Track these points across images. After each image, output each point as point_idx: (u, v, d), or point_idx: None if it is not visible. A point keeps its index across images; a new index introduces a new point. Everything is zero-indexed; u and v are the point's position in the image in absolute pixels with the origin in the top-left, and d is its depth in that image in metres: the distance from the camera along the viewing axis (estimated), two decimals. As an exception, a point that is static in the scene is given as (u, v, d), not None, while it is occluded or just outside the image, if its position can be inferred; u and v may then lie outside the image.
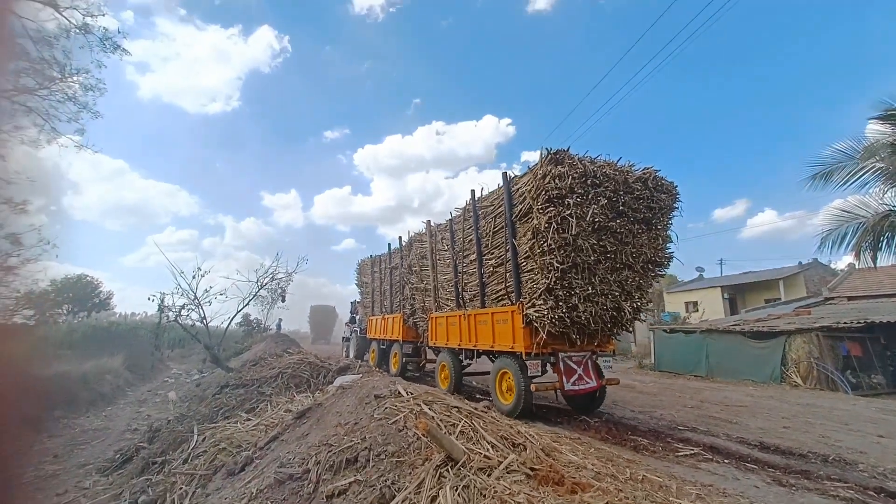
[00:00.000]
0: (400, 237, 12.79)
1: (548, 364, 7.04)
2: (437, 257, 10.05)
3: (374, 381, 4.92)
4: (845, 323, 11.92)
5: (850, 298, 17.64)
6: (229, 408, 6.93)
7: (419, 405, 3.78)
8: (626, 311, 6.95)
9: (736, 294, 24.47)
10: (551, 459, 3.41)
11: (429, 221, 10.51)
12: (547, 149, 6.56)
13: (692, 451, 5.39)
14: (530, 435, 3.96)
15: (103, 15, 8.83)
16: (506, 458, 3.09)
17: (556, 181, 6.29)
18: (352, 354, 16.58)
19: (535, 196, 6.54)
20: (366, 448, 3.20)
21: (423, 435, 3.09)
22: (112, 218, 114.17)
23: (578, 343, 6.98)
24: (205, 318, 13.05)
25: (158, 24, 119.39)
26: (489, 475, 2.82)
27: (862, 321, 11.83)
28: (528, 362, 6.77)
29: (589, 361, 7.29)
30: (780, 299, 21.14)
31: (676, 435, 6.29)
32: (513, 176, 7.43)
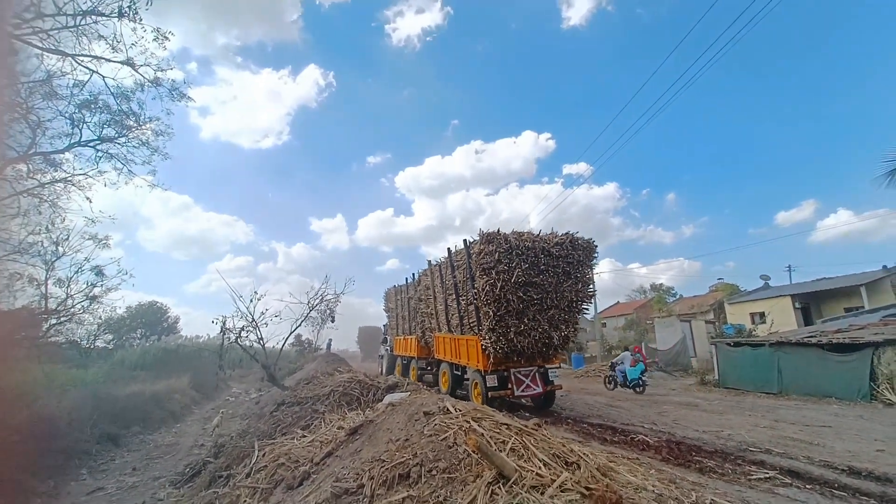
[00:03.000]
0: (413, 273, 15.11)
1: (504, 377, 9.31)
2: (437, 290, 12.23)
3: (422, 399, 4.97)
4: (945, 332, 10.54)
5: (949, 304, 15.58)
6: (286, 424, 7.22)
7: (468, 422, 3.78)
8: (554, 339, 9.21)
9: (810, 303, 22.32)
10: (608, 479, 3.28)
11: (430, 261, 12.89)
12: (481, 231, 9.13)
13: (767, 475, 4.95)
14: (584, 454, 3.83)
15: (171, 68, 9.87)
16: (559, 476, 3.01)
17: (487, 256, 8.75)
18: (384, 369, 18.87)
19: (476, 265, 9.09)
20: (417, 464, 3.24)
21: (474, 451, 3.09)
22: (178, 248, 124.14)
23: (523, 362, 9.34)
24: (262, 339, 13.74)
25: (218, 72, 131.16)
26: (542, 493, 2.76)
27: (966, 329, 10.41)
28: (486, 376, 9.19)
29: (536, 374, 9.49)
30: (862, 307, 19.02)
31: (748, 457, 5.80)
32: (471, 241, 9.71)
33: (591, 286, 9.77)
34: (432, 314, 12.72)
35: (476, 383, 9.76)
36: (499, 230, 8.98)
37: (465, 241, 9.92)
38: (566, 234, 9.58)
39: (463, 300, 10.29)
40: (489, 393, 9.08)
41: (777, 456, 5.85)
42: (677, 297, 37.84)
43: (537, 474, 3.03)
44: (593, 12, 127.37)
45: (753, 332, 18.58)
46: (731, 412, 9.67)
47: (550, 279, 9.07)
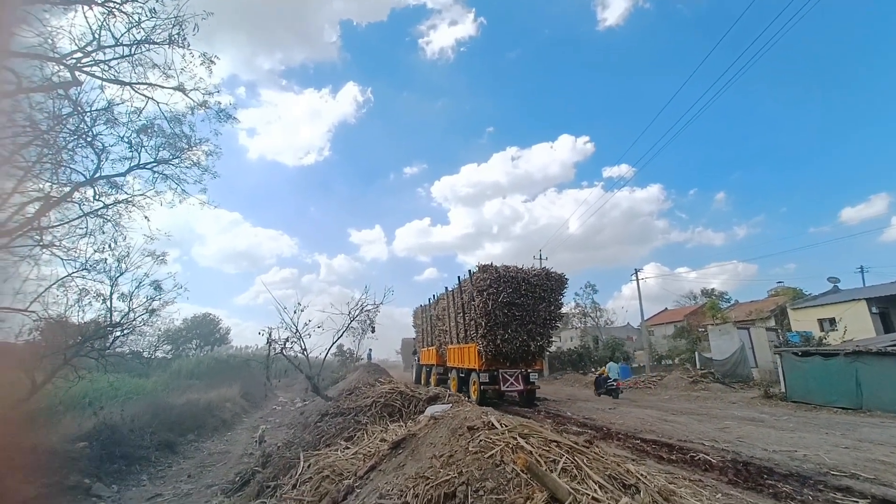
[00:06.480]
0: (433, 295, 18.21)
1: (494, 375, 12.08)
2: (451, 310, 15.18)
3: (465, 412, 4.81)
4: None
5: None
6: (329, 435, 7.26)
7: (515, 438, 3.59)
8: (531, 347, 12.23)
9: (889, 307, 20.18)
10: (672, 505, 2.99)
11: (446, 288, 16.15)
12: (479, 264, 12.58)
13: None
14: (642, 475, 3.53)
15: (219, 91, 10.42)
16: (617, 501, 2.77)
17: (481, 282, 12.03)
18: (414, 377, 21.37)
19: (474, 287, 12.36)
20: (463, 483, 3.09)
21: (523, 471, 2.90)
22: (229, 262, 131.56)
23: (509, 364, 12.24)
24: (305, 349, 14.09)
25: (264, 95, 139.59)
26: (601, 520, 2.54)
27: None
28: (480, 374, 12.12)
29: (520, 375, 12.25)
30: (954, 311, 16.95)
31: (830, 482, 5.19)
32: (473, 271, 12.93)
33: (561, 309, 13.35)
34: (446, 330, 15.80)
35: (474, 381, 12.70)
36: (492, 263, 12.35)
37: (469, 271, 13.32)
38: (542, 268, 13.07)
39: (468, 316, 13.29)
40: (483, 387, 12.06)
41: (866, 482, 5.19)
42: (732, 302, 35.45)
43: (593, 498, 2.80)
44: (630, 11, 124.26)
45: (824, 341, 16.97)
46: (804, 429, 8.80)
47: (529, 301, 12.09)
